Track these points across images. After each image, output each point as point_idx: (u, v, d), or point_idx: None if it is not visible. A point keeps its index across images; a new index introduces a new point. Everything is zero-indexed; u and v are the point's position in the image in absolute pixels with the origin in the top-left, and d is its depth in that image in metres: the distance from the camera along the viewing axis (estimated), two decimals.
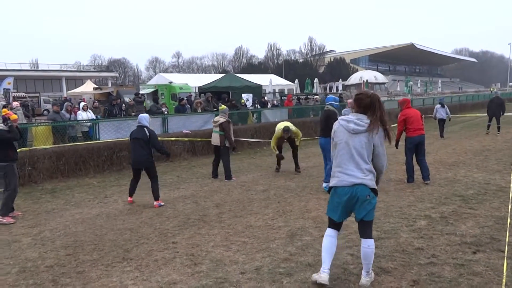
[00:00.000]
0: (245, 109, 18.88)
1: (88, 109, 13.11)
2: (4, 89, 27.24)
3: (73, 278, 4.35)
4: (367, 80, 59.97)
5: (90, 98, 31.24)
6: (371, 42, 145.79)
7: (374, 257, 4.44)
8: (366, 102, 3.71)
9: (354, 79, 76.40)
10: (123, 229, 5.97)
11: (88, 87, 40.29)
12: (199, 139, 12.90)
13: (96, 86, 39.70)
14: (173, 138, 12.38)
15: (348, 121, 3.70)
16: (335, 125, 3.81)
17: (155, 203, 7.32)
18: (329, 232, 3.84)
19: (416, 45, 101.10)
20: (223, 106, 10.45)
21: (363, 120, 3.67)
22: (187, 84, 31.87)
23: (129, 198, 7.64)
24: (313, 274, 3.88)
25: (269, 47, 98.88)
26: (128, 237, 5.62)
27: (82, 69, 71.76)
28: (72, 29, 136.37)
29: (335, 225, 3.83)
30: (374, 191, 3.70)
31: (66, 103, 13.67)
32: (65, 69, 64.66)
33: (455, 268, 4.12)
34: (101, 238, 5.61)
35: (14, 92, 30.44)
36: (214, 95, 18.98)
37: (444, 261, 4.31)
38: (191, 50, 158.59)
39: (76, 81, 57.94)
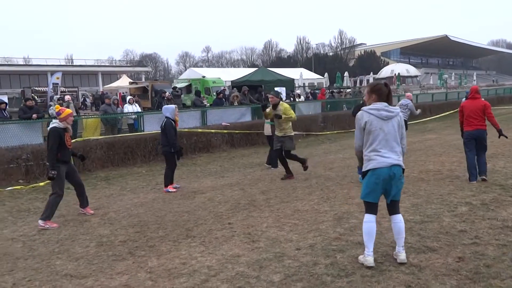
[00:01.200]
0: None
1: (134, 103, 13.82)
2: (53, 83, 28.48)
3: (146, 251, 4.89)
4: (398, 73, 59.13)
5: (126, 92, 32.32)
6: (402, 34, 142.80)
7: (419, 237, 4.81)
8: (385, 91, 4.23)
9: (385, 72, 75.46)
10: (180, 212, 6.51)
11: (123, 82, 41.62)
12: (237, 131, 13.40)
13: (132, 81, 40.88)
14: (213, 130, 12.91)
15: (379, 110, 4.14)
16: (364, 116, 4.18)
17: (164, 189, 7.99)
18: (369, 218, 4.20)
19: (450, 37, 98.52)
20: None
21: (390, 107, 4.17)
22: (220, 78, 32.50)
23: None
24: (359, 257, 4.25)
25: (298, 40, 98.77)
26: (187, 218, 6.15)
27: (116, 64, 73.73)
28: (104, 25, 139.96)
29: (373, 209, 4.21)
30: (403, 171, 4.20)
31: (113, 97, 14.41)
32: (100, 64, 66.60)
33: (498, 248, 4.41)
34: (162, 219, 6.16)
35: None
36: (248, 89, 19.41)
37: (487, 241, 4.60)
38: (220, 44, 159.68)
39: (111, 76, 59.69)
